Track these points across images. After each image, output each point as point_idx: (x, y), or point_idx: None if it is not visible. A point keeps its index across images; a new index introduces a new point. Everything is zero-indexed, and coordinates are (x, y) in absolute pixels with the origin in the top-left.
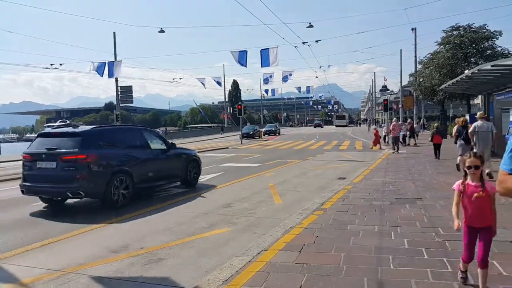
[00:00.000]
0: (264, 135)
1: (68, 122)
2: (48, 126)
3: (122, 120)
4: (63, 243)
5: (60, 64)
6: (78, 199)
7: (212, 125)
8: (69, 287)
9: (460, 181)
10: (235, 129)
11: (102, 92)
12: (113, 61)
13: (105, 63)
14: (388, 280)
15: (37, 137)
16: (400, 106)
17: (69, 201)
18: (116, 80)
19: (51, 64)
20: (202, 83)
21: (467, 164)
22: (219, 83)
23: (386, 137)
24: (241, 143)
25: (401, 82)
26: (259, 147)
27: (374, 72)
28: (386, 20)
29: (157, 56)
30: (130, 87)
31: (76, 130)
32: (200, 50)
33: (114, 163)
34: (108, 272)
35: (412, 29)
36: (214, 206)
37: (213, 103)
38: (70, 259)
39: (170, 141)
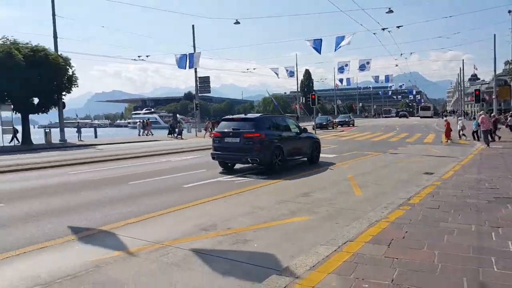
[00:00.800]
0: (337, 126)
1: (152, 110)
2: (135, 114)
3: (200, 109)
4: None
5: (147, 56)
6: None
7: (285, 115)
8: (168, 259)
9: None
10: (307, 119)
11: (182, 82)
12: (193, 53)
13: (186, 55)
14: (492, 283)
15: (221, 121)
16: (493, 97)
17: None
18: (195, 71)
19: (139, 56)
20: (276, 73)
21: None
22: (291, 73)
23: (461, 131)
24: (315, 133)
25: (495, 70)
26: (333, 137)
27: (463, 60)
28: (476, 2)
29: (232, 48)
30: (208, 77)
31: (251, 116)
32: (274, 40)
33: (274, 140)
34: (201, 248)
35: (509, 11)
36: (292, 195)
37: (285, 93)
38: (167, 233)
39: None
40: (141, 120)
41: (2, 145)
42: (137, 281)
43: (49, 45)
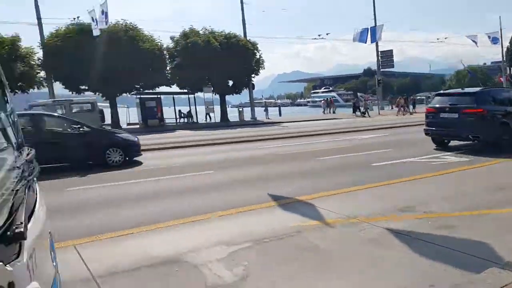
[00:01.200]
0: None
1: (330, 88)
2: (314, 93)
3: (382, 85)
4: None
5: (327, 34)
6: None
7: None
8: (365, 234)
9: None
10: None
11: (360, 59)
12: (374, 26)
13: (367, 29)
14: None
15: (436, 96)
16: None
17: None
18: (377, 45)
19: (319, 35)
20: (474, 41)
21: None
22: (495, 39)
23: None
24: None
25: None
26: None
27: None
28: None
29: (417, 18)
30: (391, 51)
31: (470, 90)
32: (465, 3)
33: (498, 116)
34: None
35: None
36: (510, 179)
37: (484, 63)
38: (360, 210)
39: None
40: (325, 99)
41: (205, 121)
42: (337, 250)
43: (237, 31)
